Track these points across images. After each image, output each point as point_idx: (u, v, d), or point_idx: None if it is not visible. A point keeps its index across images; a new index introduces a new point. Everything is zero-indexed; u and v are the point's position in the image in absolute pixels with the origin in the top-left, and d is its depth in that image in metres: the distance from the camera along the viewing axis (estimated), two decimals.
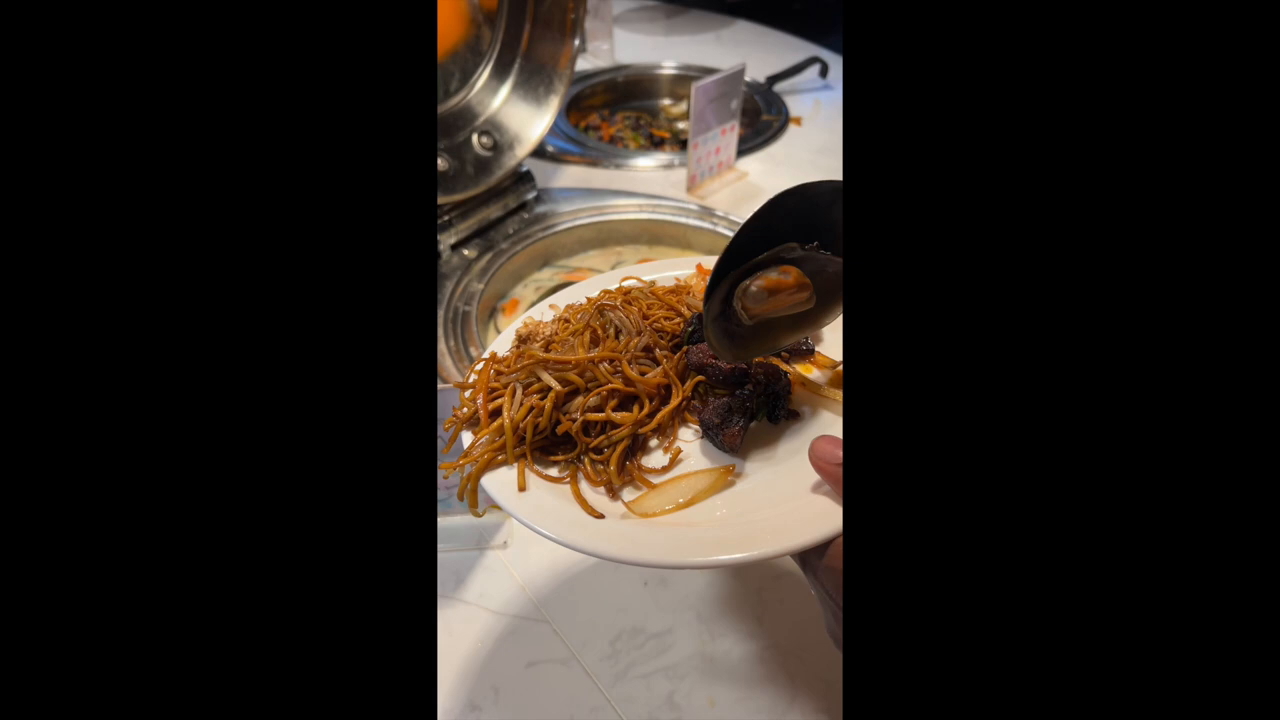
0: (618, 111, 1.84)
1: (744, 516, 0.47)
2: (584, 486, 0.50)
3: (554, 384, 0.50)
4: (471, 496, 0.50)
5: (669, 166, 1.52)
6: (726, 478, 0.50)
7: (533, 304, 1.09)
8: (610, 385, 0.50)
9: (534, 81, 1.36)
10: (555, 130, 1.60)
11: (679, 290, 0.62)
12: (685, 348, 0.55)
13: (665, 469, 0.51)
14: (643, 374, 0.52)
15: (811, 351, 0.57)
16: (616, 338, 0.54)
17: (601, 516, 0.47)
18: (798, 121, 1.69)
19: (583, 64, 1.89)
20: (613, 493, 0.49)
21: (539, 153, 1.53)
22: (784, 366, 0.55)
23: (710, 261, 0.65)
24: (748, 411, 0.51)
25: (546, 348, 0.55)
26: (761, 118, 1.69)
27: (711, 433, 0.51)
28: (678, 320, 0.57)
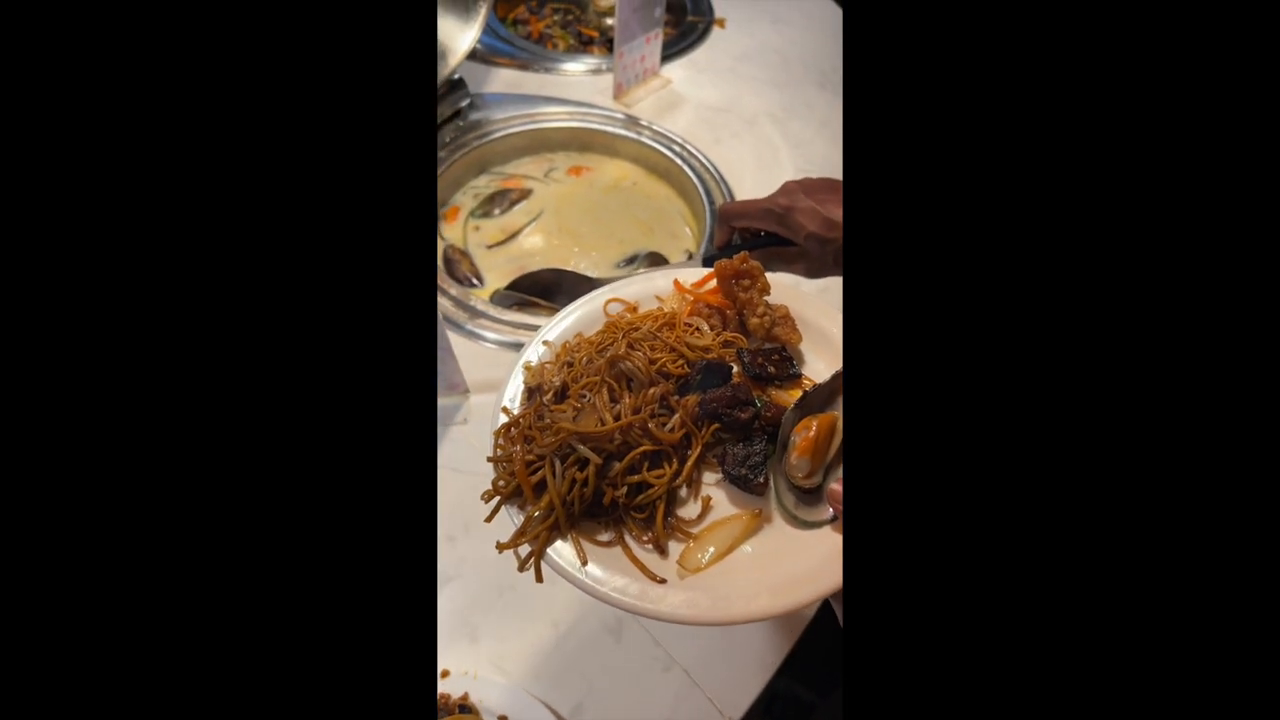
0: (546, 3, 1.74)
1: (779, 564, 0.53)
2: (632, 545, 0.54)
3: (593, 457, 0.52)
4: (537, 572, 0.52)
5: (597, 71, 1.49)
6: (756, 522, 0.55)
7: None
8: (643, 448, 0.54)
9: None
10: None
11: (670, 323, 0.64)
12: (697, 396, 0.58)
13: (700, 518, 0.56)
14: (664, 425, 0.56)
15: (799, 376, 0.63)
16: (629, 387, 0.57)
17: (664, 581, 0.51)
18: (721, 24, 1.65)
19: None
20: (661, 550, 0.53)
21: (468, 54, 1.48)
22: (775, 397, 0.61)
23: (685, 275, 0.69)
24: (765, 456, 0.56)
25: (560, 397, 0.58)
26: (688, 18, 1.65)
27: (740, 483, 0.56)
28: (680, 362, 0.61)
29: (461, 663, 0.78)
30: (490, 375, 1.00)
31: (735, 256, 0.65)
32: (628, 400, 0.57)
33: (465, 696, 0.76)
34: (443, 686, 0.76)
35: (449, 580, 0.84)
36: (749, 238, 0.81)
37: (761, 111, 1.46)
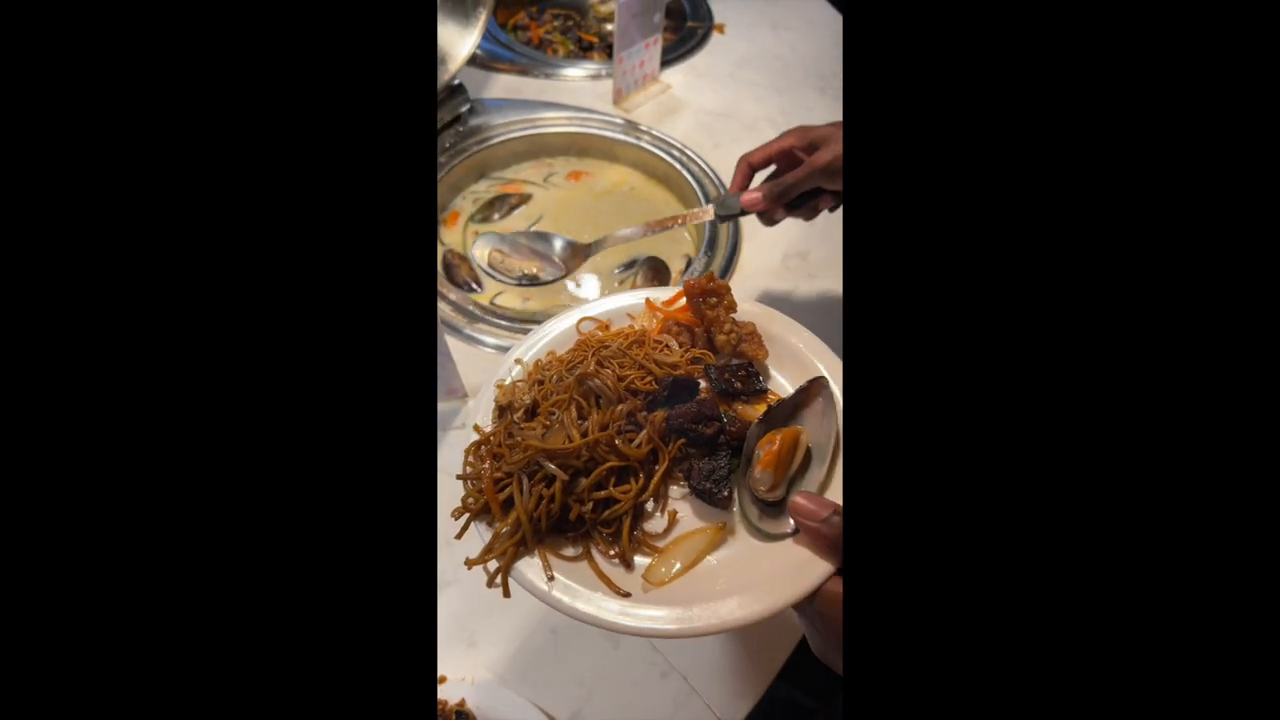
0: (546, 9, 1.73)
1: (743, 576, 0.53)
2: (598, 559, 0.55)
3: (559, 474, 0.54)
4: (504, 587, 0.54)
5: (596, 77, 1.50)
6: (721, 535, 0.56)
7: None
8: (609, 464, 0.55)
9: None
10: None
11: (640, 340, 0.66)
12: (664, 412, 0.59)
13: (666, 532, 0.57)
14: (631, 441, 0.57)
15: (765, 391, 0.64)
16: (597, 404, 0.58)
17: (628, 595, 0.52)
18: (721, 29, 1.65)
19: None
20: (627, 564, 0.54)
21: (468, 60, 1.49)
22: (739, 412, 0.62)
23: (657, 294, 0.70)
24: (730, 470, 0.57)
25: (530, 415, 0.59)
26: (687, 23, 1.64)
27: (705, 497, 0.57)
28: (648, 379, 0.62)
29: (459, 668, 0.79)
30: (489, 380, 1.01)
31: (703, 275, 0.67)
32: (595, 417, 0.58)
33: (462, 702, 0.76)
34: (439, 692, 0.77)
35: (447, 585, 0.85)
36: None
37: (761, 116, 1.46)
